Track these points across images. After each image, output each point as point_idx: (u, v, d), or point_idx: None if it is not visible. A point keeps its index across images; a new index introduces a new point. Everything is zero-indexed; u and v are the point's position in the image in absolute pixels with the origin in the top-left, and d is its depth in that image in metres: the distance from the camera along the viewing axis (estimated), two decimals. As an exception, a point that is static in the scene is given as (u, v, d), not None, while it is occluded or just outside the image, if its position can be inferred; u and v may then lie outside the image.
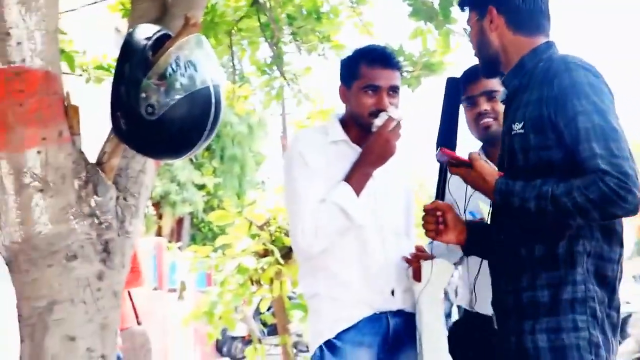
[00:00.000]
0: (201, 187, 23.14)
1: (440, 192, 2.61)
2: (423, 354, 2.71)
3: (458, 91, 2.66)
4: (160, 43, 2.61)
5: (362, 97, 2.86)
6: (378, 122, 2.79)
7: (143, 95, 2.50)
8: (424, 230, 2.62)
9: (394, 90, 2.88)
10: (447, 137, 2.57)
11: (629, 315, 13.11)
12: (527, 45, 2.40)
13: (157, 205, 22.54)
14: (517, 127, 2.29)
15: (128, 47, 2.58)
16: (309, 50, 6.19)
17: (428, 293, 2.71)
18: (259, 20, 5.83)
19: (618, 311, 2.31)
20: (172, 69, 2.52)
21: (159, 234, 22.03)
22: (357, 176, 2.80)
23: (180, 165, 21.88)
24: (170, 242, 21.14)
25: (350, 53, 3.06)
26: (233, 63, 6.14)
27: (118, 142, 2.74)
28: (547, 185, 2.11)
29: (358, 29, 6.21)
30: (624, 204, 2.01)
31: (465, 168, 2.40)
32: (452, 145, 2.55)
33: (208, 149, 24.24)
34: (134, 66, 2.53)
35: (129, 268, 2.93)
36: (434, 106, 2.75)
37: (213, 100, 2.55)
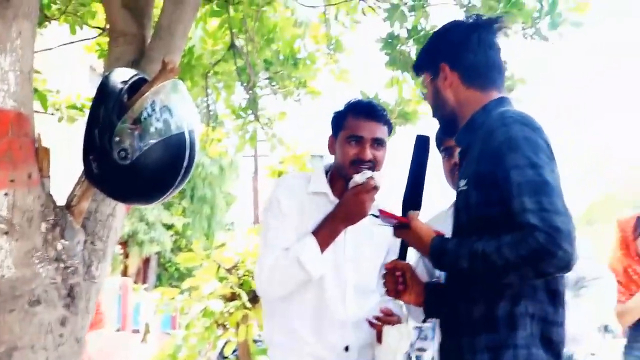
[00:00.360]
0: (170, 227, 22.97)
1: (404, 251, 2.54)
2: None
3: (427, 149, 2.58)
4: (137, 87, 2.58)
5: (345, 146, 2.83)
6: (357, 178, 2.75)
7: (117, 139, 2.46)
8: (385, 290, 2.57)
9: (378, 143, 2.83)
10: (413, 196, 2.51)
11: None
12: (480, 100, 2.34)
13: (124, 244, 22.31)
14: (462, 184, 2.25)
15: (103, 90, 2.55)
16: (285, 95, 6.20)
17: (386, 356, 2.64)
18: (236, 64, 5.82)
19: None
20: (148, 114, 2.48)
21: (125, 273, 21.75)
22: (325, 231, 2.76)
23: (149, 205, 21.57)
24: (136, 281, 20.96)
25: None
26: (208, 105, 6.11)
27: (89, 186, 2.69)
28: (478, 243, 2.06)
29: (334, 76, 6.24)
30: (554, 260, 1.93)
31: (406, 230, 2.35)
32: (418, 205, 2.48)
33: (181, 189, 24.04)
34: (108, 109, 2.50)
35: (93, 313, 2.86)
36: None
37: (188, 146, 2.51)
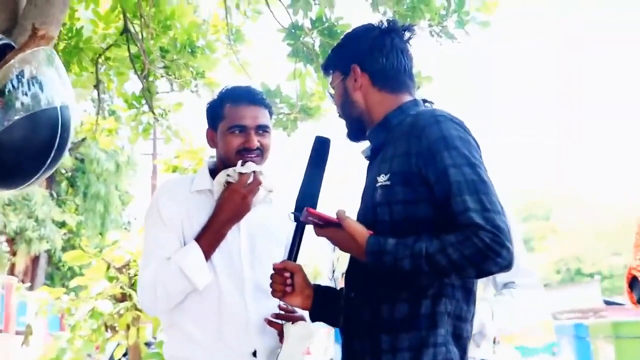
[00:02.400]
0: (62, 224, 22.26)
1: (294, 252, 2.42)
2: None
3: (326, 151, 2.47)
4: (3, 54, 2.25)
5: (228, 137, 2.64)
6: (230, 172, 2.59)
7: (-26, 112, 2.12)
8: (271, 290, 2.43)
9: (263, 129, 2.67)
10: (311, 195, 2.38)
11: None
12: (393, 102, 2.30)
13: (10, 241, 21.48)
14: (383, 179, 2.16)
15: (-42, 56, 2.20)
16: (182, 86, 5.90)
17: (287, 356, 2.45)
18: (129, 50, 5.50)
19: None
20: (13, 85, 2.17)
21: (12, 272, 20.93)
22: (208, 236, 2.57)
23: (40, 201, 20.98)
24: (23, 280, 20.17)
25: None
26: (98, 93, 5.74)
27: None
28: (420, 242, 1.98)
29: (235, 68, 5.99)
30: (498, 259, 1.90)
31: (334, 229, 2.19)
32: (315, 203, 2.36)
33: (72, 185, 23.40)
34: (-36, 78, 2.15)
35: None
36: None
37: (59, 124, 2.20)
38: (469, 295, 2.18)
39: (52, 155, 2.20)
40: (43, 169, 2.22)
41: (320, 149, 2.46)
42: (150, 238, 2.63)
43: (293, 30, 4.85)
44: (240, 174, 2.57)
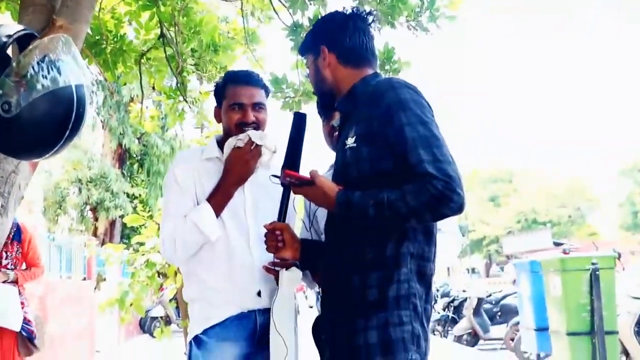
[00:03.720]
0: (132, 195, 22.31)
1: (283, 213, 2.34)
2: (271, 352, 2.32)
3: (303, 124, 2.35)
4: (26, 43, 2.01)
5: (229, 113, 2.54)
6: (232, 140, 2.48)
7: (0, 92, 1.89)
8: (266, 247, 2.35)
9: (259, 106, 2.56)
10: (292, 160, 2.27)
11: (464, 300, 13.22)
12: (357, 75, 2.21)
13: (93, 210, 21.56)
14: (350, 141, 2.06)
15: (-14, 44, 1.96)
16: (209, 79, 5.69)
17: (280, 297, 2.31)
18: (165, 52, 5.28)
19: (432, 305, 2.11)
20: (34, 69, 1.93)
21: (94, 234, 21.05)
22: (217, 195, 2.46)
23: (114, 178, 21.06)
24: (104, 240, 20.29)
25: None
26: (141, 88, 5.52)
27: (-20, 141, 2.09)
28: (382, 192, 1.90)
29: (251, 63, 5.77)
30: (451, 204, 1.83)
31: (308, 187, 2.08)
32: (297, 168, 2.26)
33: (140, 165, 23.41)
34: (-9, 63, 1.92)
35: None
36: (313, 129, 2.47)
37: (75, 100, 1.96)
38: (430, 237, 2.07)
39: (69, 127, 1.98)
40: (63, 138, 2.00)
41: (299, 122, 2.34)
42: (169, 199, 2.52)
43: (294, 28, 4.64)
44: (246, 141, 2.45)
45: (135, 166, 23.76)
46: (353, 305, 2.00)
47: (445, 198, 1.82)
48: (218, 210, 2.43)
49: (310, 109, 5.18)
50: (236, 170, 2.45)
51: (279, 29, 4.85)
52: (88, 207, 21.56)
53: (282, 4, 4.80)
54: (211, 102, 6.21)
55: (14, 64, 1.92)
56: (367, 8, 4.49)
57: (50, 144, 2.00)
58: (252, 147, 2.45)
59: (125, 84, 6.04)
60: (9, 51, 1.99)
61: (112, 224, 21.92)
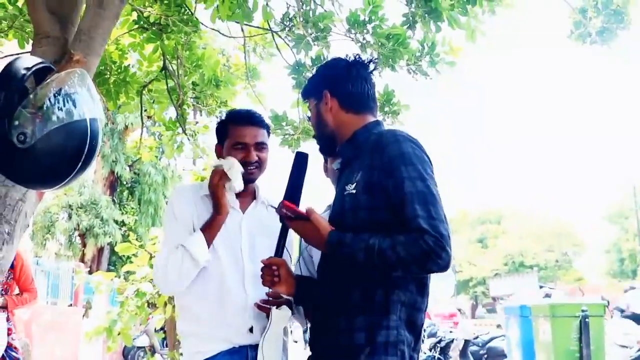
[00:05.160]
0: (121, 223, 22.17)
1: (280, 249, 2.34)
2: None
3: (305, 163, 2.37)
4: (44, 75, 2.06)
5: (232, 152, 2.54)
6: (213, 164, 2.55)
7: (16, 123, 1.94)
8: (262, 281, 2.35)
9: (261, 146, 2.58)
10: (292, 195, 2.28)
11: (451, 341, 13.16)
12: (358, 122, 2.23)
13: (82, 236, 21.42)
14: (350, 188, 2.08)
15: (5, 75, 2.00)
16: (209, 113, 5.75)
17: (270, 334, 2.33)
18: (167, 84, 5.35)
19: (418, 353, 2.10)
20: (50, 101, 1.98)
21: (82, 260, 20.86)
22: (207, 223, 2.47)
23: (105, 205, 20.97)
24: (91, 267, 20.11)
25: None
26: (142, 118, 5.56)
27: (-9, 169, 2.12)
28: (374, 238, 1.92)
29: (251, 99, 5.84)
30: (439, 260, 1.86)
31: (302, 221, 2.11)
32: (296, 203, 2.26)
33: (130, 192, 23.37)
34: (9, 94, 1.97)
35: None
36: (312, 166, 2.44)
37: (89, 134, 2.00)
38: (423, 289, 2.09)
39: (82, 159, 2.02)
40: (75, 171, 2.03)
41: (300, 161, 2.36)
42: (167, 231, 2.54)
43: (297, 67, 4.71)
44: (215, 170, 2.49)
45: (125, 193, 23.68)
46: (341, 348, 2.01)
47: (434, 254, 1.85)
48: (209, 238, 2.44)
49: (309, 146, 5.24)
50: (212, 198, 2.48)
51: (280, 66, 4.93)
52: (77, 233, 21.40)
53: (286, 43, 4.89)
54: (208, 136, 6.27)
55: (31, 96, 1.96)
56: (369, 51, 4.64)
57: (62, 176, 2.03)
58: (217, 176, 2.47)
59: (120, 112, 6.10)
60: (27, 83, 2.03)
61: (100, 250, 21.75)
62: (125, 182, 23.08)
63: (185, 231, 2.46)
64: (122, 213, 22.33)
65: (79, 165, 2.01)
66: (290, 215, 2.14)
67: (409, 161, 1.99)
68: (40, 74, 2.08)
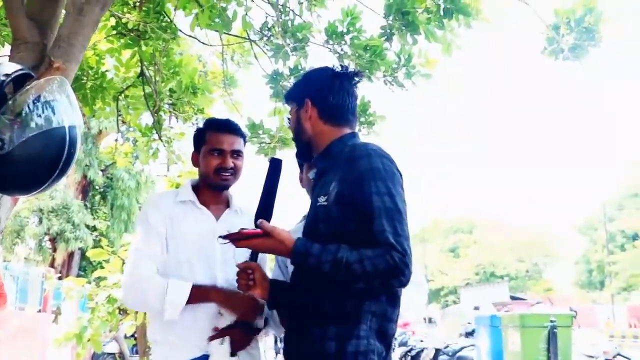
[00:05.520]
0: (93, 228, 21.91)
1: (254, 254, 2.33)
2: None
3: (279, 170, 2.37)
4: (23, 82, 2.05)
5: (209, 158, 2.56)
6: None
7: (-6, 129, 1.92)
8: (238, 285, 2.33)
9: (237, 154, 2.59)
10: (265, 210, 2.28)
11: (422, 350, 13.23)
12: (334, 134, 2.24)
13: (52, 240, 21.12)
14: (322, 200, 2.10)
15: (-16, 82, 1.99)
16: (185, 120, 5.74)
17: None
18: (144, 90, 5.33)
19: None
20: (29, 108, 1.98)
21: (52, 264, 20.56)
22: (200, 291, 2.41)
23: (76, 209, 20.72)
24: (61, 272, 19.81)
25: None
26: (117, 123, 5.54)
27: (-33, 175, 2.11)
28: (341, 251, 1.93)
29: (228, 106, 5.85)
30: (402, 277, 1.90)
31: (261, 239, 2.09)
32: (269, 217, 2.26)
33: (102, 197, 23.13)
34: (-12, 100, 1.95)
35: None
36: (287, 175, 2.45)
37: (67, 141, 2.00)
38: (394, 299, 2.10)
39: (60, 166, 2.01)
40: (52, 177, 2.03)
41: (275, 168, 2.37)
42: (138, 237, 2.50)
43: (275, 76, 4.74)
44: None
45: (97, 198, 23.43)
46: (313, 356, 2.02)
47: (399, 271, 1.88)
48: (193, 300, 2.41)
49: (284, 155, 5.26)
50: (231, 305, 2.44)
51: (257, 75, 4.96)
52: (47, 238, 21.11)
53: (264, 52, 4.92)
54: (183, 142, 6.25)
55: (9, 103, 1.96)
56: (347, 61, 4.68)
57: (39, 182, 2.03)
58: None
59: (95, 117, 6.06)
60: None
61: (71, 255, 21.47)
62: (97, 187, 22.85)
63: (158, 241, 2.46)
64: (94, 218, 22.10)
65: (56, 173, 2.01)
66: (251, 236, 2.11)
67: (378, 176, 2.01)
68: (19, 81, 2.08)
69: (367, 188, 1.99)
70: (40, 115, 1.98)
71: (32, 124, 1.96)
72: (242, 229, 2.13)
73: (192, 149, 2.69)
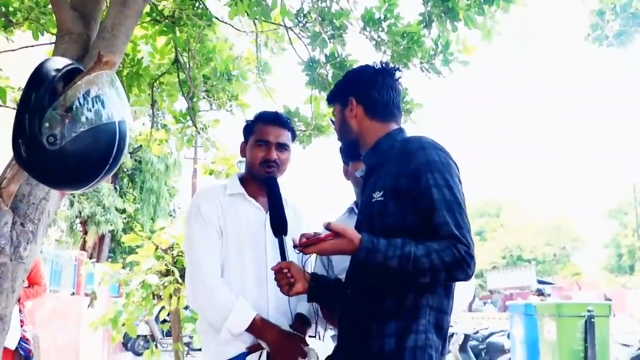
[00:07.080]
0: (123, 211, 22.17)
1: (283, 254, 2.38)
2: None
3: (276, 187, 2.54)
4: (73, 77, 2.04)
5: (255, 149, 2.62)
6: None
7: (47, 124, 1.93)
8: (279, 287, 2.34)
9: (283, 146, 2.63)
10: (280, 221, 2.42)
11: (451, 336, 13.21)
12: (382, 129, 2.24)
13: (83, 223, 21.44)
14: (377, 195, 2.08)
15: (36, 77, 1.99)
16: (219, 106, 5.74)
17: None
18: (179, 77, 5.34)
19: (445, 356, 2.12)
20: (79, 103, 1.96)
21: (83, 247, 20.90)
22: (259, 329, 2.43)
23: (106, 192, 20.97)
24: (92, 254, 20.13)
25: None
26: (153, 111, 5.56)
27: (19, 169, 2.14)
28: (408, 246, 1.91)
29: (262, 93, 5.82)
30: (468, 270, 1.90)
31: (332, 241, 2.00)
32: (285, 226, 2.41)
33: (131, 180, 23.36)
34: (40, 95, 1.95)
35: (19, 292, 2.30)
36: (323, 163, 2.45)
37: (117, 136, 1.99)
38: (449, 291, 2.09)
39: (110, 161, 2.00)
40: (102, 173, 2.02)
41: (272, 186, 2.51)
42: (193, 229, 2.52)
43: (311, 64, 4.69)
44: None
45: (126, 181, 23.67)
46: (371, 354, 2.00)
47: (465, 263, 1.88)
48: (249, 329, 2.42)
49: (321, 143, 5.24)
50: (277, 353, 2.41)
51: (291, 61, 4.91)
52: (78, 221, 21.42)
53: (299, 37, 4.87)
54: (217, 129, 6.25)
55: (61, 98, 1.95)
56: (384, 49, 4.62)
57: (90, 177, 2.02)
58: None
59: (132, 105, 6.09)
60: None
61: (102, 238, 21.79)
62: (126, 170, 23.08)
63: (214, 232, 2.49)
64: (124, 201, 22.35)
65: (106, 168, 2.00)
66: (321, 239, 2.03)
67: (435, 168, 1.99)
68: (68, 75, 2.07)
69: (425, 181, 1.98)
70: (90, 110, 1.97)
71: (83, 119, 1.95)
72: (315, 233, 2.08)
73: (226, 135, 2.72)
